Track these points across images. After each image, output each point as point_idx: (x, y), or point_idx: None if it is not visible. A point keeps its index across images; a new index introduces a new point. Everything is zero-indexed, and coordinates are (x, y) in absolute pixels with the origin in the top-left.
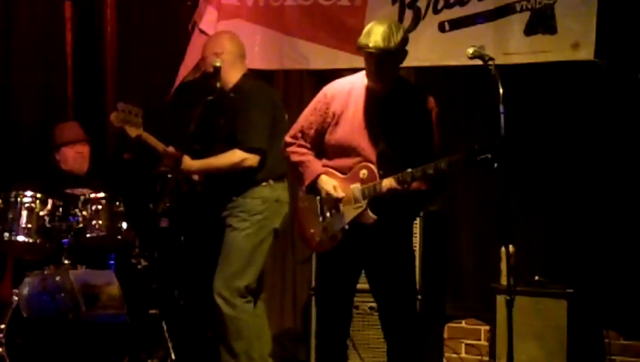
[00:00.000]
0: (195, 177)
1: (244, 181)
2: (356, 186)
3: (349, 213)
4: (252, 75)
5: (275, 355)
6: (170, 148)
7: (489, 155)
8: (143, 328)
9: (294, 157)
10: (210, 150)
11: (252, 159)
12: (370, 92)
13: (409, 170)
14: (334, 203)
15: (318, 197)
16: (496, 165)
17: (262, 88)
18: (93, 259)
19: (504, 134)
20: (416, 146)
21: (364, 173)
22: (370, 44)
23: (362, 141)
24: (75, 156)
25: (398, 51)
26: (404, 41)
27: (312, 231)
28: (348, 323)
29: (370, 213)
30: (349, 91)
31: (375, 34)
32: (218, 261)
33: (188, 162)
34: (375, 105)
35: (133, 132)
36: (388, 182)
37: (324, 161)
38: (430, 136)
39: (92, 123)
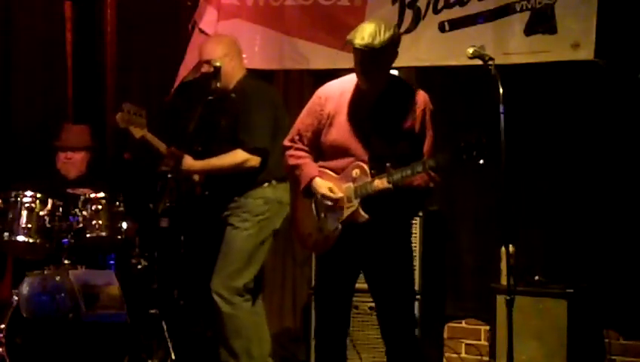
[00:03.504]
0: (196, 177)
1: (247, 181)
2: (349, 186)
3: (343, 212)
4: (253, 74)
5: (275, 355)
6: (172, 149)
7: (475, 152)
8: (143, 328)
9: (291, 161)
10: (211, 150)
11: (254, 160)
12: (360, 92)
13: (398, 169)
14: (329, 204)
15: (313, 199)
16: (482, 162)
17: (263, 88)
18: (93, 259)
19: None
20: (408, 145)
21: (356, 172)
22: (356, 40)
23: (354, 141)
24: (63, 161)
25: (384, 50)
26: (393, 40)
27: (307, 231)
28: (347, 323)
29: (362, 212)
30: (341, 92)
31: (362, 31)
32: (217, 259)
33: (189, 162)
34: (366, 105)
35: (137, 133)
36: (379, 182)
37: (321, 163)
38: (422, 134)
39: (92, 123)
